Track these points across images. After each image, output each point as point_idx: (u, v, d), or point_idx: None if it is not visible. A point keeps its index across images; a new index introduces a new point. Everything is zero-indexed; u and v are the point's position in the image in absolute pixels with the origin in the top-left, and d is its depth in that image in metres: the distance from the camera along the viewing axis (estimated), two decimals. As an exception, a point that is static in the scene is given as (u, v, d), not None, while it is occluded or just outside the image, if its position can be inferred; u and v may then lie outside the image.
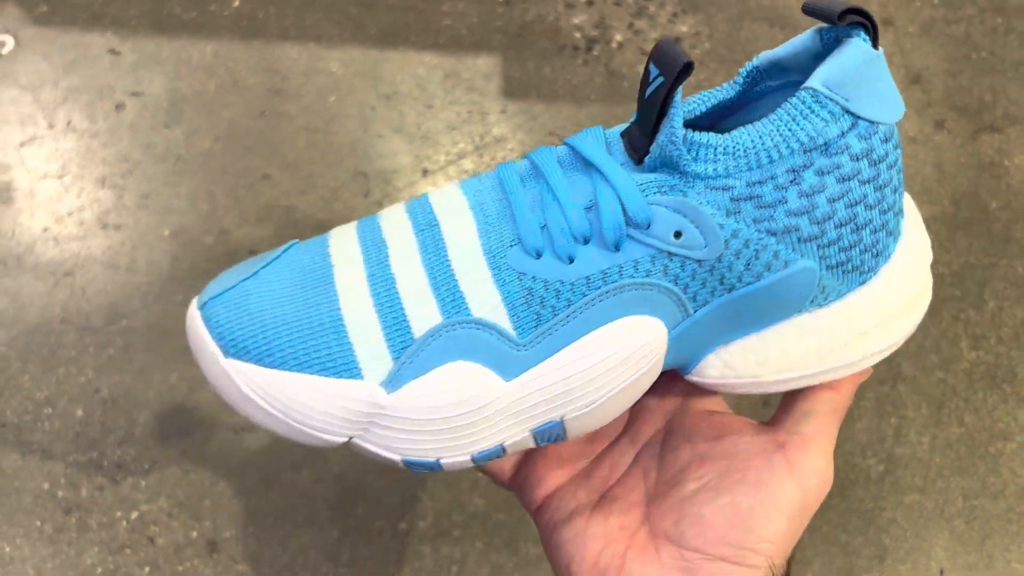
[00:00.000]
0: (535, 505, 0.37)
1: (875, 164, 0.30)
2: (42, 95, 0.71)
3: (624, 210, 0.30)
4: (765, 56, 0.32)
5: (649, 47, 0.76)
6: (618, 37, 0.76)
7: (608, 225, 0.30)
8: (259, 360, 0.30)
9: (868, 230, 0.31)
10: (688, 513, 0.34)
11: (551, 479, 0.37)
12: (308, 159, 0.69)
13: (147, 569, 0.57)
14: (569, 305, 0.30)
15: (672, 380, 0.38)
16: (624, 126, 0.31)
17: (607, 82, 0.74)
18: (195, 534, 0.58)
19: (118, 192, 0.67)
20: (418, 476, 0.60)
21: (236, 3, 0.76)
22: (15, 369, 0.61)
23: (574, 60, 0.75)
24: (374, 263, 0.32)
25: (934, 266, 0.68)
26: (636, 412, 0.40)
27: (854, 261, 0.32)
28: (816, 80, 0.29)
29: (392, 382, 0.30)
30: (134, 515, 0.58)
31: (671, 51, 0.27)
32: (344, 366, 0.30)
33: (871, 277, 0.33)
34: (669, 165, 0.30)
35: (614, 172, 0.30)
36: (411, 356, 0.30)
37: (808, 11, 0.29)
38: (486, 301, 0.30)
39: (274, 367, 0.30)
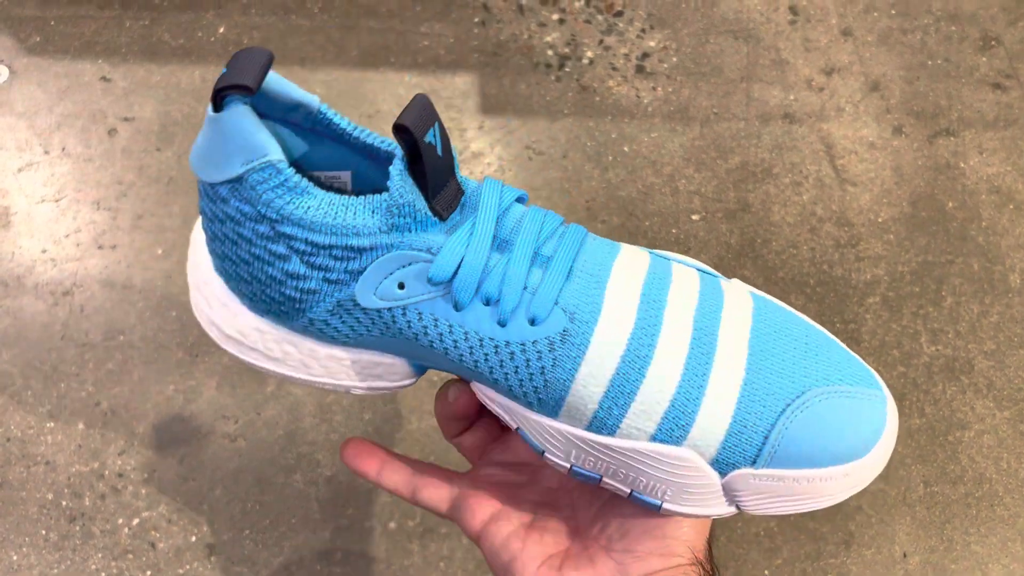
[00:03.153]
0: (475, 533, 0.39)
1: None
2: (37, 122, 0.74)
3: None
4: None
5: (619, 63, 0.79)
6: (589, 54, 0.79)
7: None
8: None
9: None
10: (612, 516, 0.37)
11: (486, 506, 0.39)
12: (294, 177, 0.72)
13: (149, 573, 0.59)
14: None
15: None
16: (417, 204, 0.33)
17: (579, 97, 0.78)
18: (194, 538, 0.60)
19: (113, 214, 0.70)
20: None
21: (222, 29, 0.79)
22: (19, 385, 0.64)
23: (547, 76, 0.78)
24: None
25: (895, 265, 0.71)
26: None
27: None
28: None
29: None
30: (135, 521, 0.61)
31: (419, 110, 0.30)
32: None
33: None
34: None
35: None
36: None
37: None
38: None
39: None
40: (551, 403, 0.33)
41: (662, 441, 0.33)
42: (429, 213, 0.32)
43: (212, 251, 0.35)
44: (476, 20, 0.81)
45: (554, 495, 0.40)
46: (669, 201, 0.73)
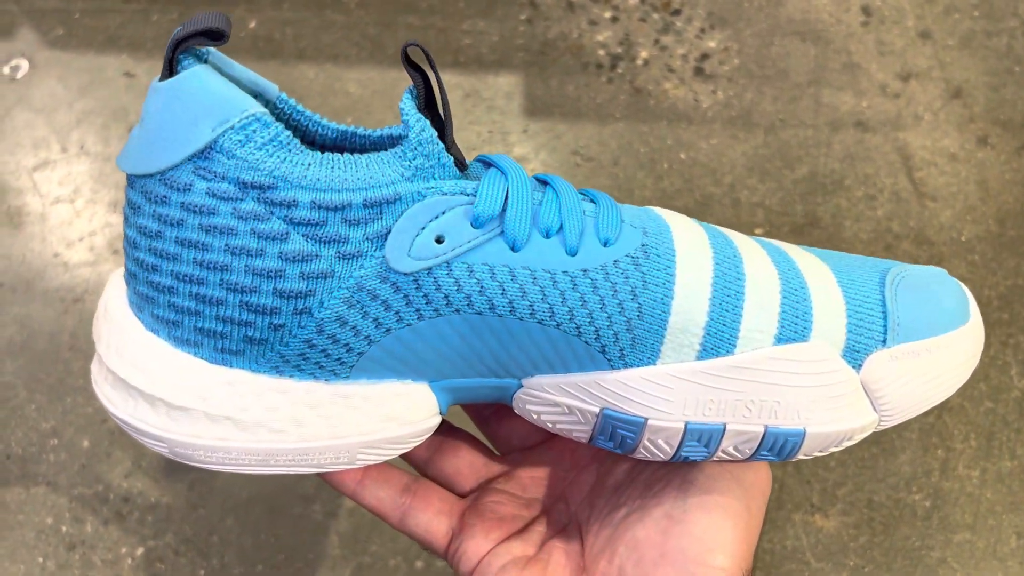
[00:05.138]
0: (469, 569, 0.34)
1: None
2: (56, 118, 0.70)
3: None
4: None
5: (677, 64, 0.73)
6: (644, 54, 0.74)
7: None
8: None
9: None
10: (622, 542, 0.31)
11: (489, 541, 0.34)
12: (324, 181, 0.68)
13: (152, 608, 0.54)
14: None
15: None
16: (438, 142, 0.28)
17: (632, 100, 0.72)
18: (202, 572, 0.55)
19: (130, 216, 0.66)
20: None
21: (252, 24, 0.74)
22: (22, 399, 0.59)
23: (598, 78, 0.73)
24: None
25: (980, 289, 0.64)
26: (567, 470, 0.37)
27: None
28: None
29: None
30: (139, 552, 0.56)
31: (421, 47, 0.28)
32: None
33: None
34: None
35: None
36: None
37: None
38: None
39: None
40: (649, 339, 0.28)
41: (789, 340, 0.29)
42: (450, 157, 0.27)
43: (153, 287, 0.28)
44: (522, 17, 0.75)
45: (566, 530, 0.34)
46: (730, 213, 0.67)
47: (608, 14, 0.76)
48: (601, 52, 0.74)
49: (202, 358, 0.28)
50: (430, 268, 0.27)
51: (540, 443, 0.38)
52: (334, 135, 0.30)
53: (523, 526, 0.35)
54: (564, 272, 0.28)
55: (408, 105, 0.27)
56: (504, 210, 0.27)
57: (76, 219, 0.66)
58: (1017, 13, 0.77)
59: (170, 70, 0.26)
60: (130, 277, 0.29)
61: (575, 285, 0.28)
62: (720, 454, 0.30)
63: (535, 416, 0.31)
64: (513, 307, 0.27)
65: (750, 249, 0.31)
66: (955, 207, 0.68)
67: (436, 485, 0.36)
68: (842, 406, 0.30)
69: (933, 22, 0.77)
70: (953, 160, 0.70)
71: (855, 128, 0.71)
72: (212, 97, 0.26)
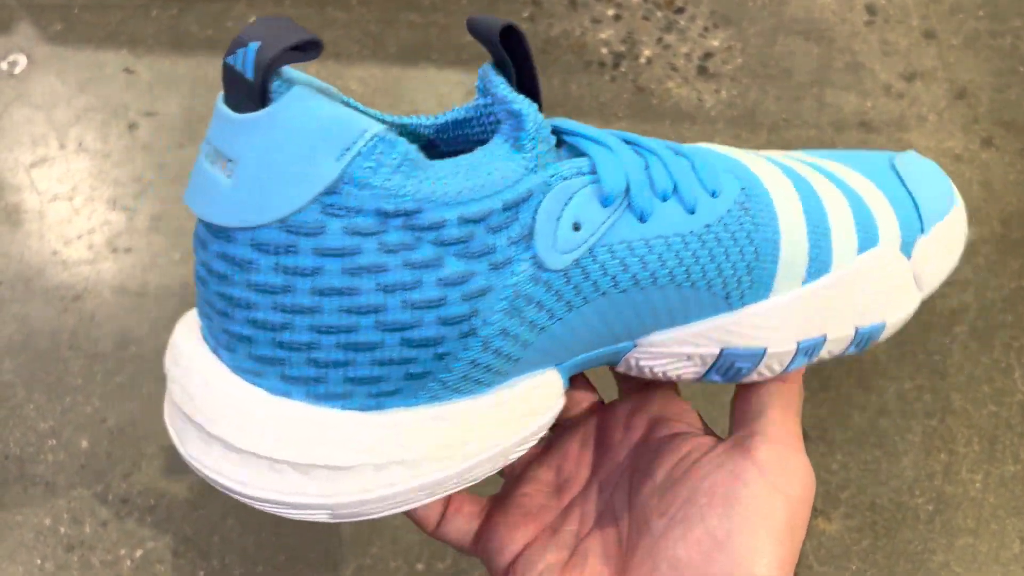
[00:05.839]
0: (501, 571, 0.33)
1: None
2: (55, 115, 0.69)
3: None
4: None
5: (680, 63, 0.73)
6: (647, 52, 0.73)
7: None
8: None
9: None
10: (662, 558, 0.30)
11: (517, 539, 0.33)
12: (325, 180, 0.67)
13: (152, 610, 0.54)
14: None
15: (635, 412, 0.36)
16: (548, 124, 0.27)
17: (635, 98, 0.71)
18: (202, 572, 0.55)
19: (129, 214, 0.65)
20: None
21: (253, 20, 0.74)
22: (20, 398, 0.59)
23: (601, 76, 0.72)
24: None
25: (984, 291, 0.64)
26: (601, 453, 0.36)
27: None
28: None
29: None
30: (139, 553, 0.55)
31: (487, 22, 0.27)
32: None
33: None
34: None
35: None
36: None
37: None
38: None
39: None
40: (765, 277, 0.30)
41: (866, 249, 0.32)
42: (553, 136, 0.27)
43: (282, 348, 0.24)
44: (525, 15, 0.75)
45: (600, 524, 0.33)
46: (733, 214, 0.67)
47: (611, 12, 0.75)
48: (604, 50, 0.74)
49: (351, 409, 0.25)
50: (577, 259, 0.26)
51: (578, 422, 0.38)
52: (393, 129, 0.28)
53: (553, 519, 0.34)
54: (691, 232, 0.28)
55: (507, 90, 0.26)
56: (628, 183, 0.27)
57: (75, 216, 0.65)
58: (1022, 13, 0.77)
59: (261, 99, 0.23)
60: (239, 343, 0.25)
61: (703, 242, 0.28)
62: (815, 361, 0.33)
63: (646, 370, 0.31)
64: (655, 277, 0.28)
65: (808, 172, 0.33)
66: (959, 208, 0.68)
67: (466, 492, 0.36)
68: (906, 294, 0.33)
69: (938, 22, 0.76)
70: (957, 161, 0.70)
71: (859, 128, 0.71)
72: (325, 123, 0.23)
